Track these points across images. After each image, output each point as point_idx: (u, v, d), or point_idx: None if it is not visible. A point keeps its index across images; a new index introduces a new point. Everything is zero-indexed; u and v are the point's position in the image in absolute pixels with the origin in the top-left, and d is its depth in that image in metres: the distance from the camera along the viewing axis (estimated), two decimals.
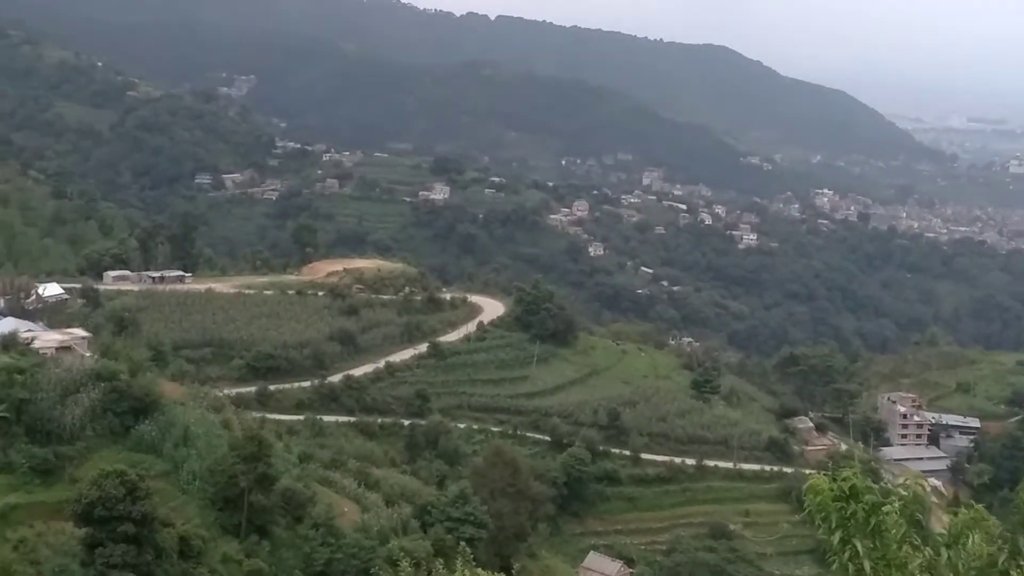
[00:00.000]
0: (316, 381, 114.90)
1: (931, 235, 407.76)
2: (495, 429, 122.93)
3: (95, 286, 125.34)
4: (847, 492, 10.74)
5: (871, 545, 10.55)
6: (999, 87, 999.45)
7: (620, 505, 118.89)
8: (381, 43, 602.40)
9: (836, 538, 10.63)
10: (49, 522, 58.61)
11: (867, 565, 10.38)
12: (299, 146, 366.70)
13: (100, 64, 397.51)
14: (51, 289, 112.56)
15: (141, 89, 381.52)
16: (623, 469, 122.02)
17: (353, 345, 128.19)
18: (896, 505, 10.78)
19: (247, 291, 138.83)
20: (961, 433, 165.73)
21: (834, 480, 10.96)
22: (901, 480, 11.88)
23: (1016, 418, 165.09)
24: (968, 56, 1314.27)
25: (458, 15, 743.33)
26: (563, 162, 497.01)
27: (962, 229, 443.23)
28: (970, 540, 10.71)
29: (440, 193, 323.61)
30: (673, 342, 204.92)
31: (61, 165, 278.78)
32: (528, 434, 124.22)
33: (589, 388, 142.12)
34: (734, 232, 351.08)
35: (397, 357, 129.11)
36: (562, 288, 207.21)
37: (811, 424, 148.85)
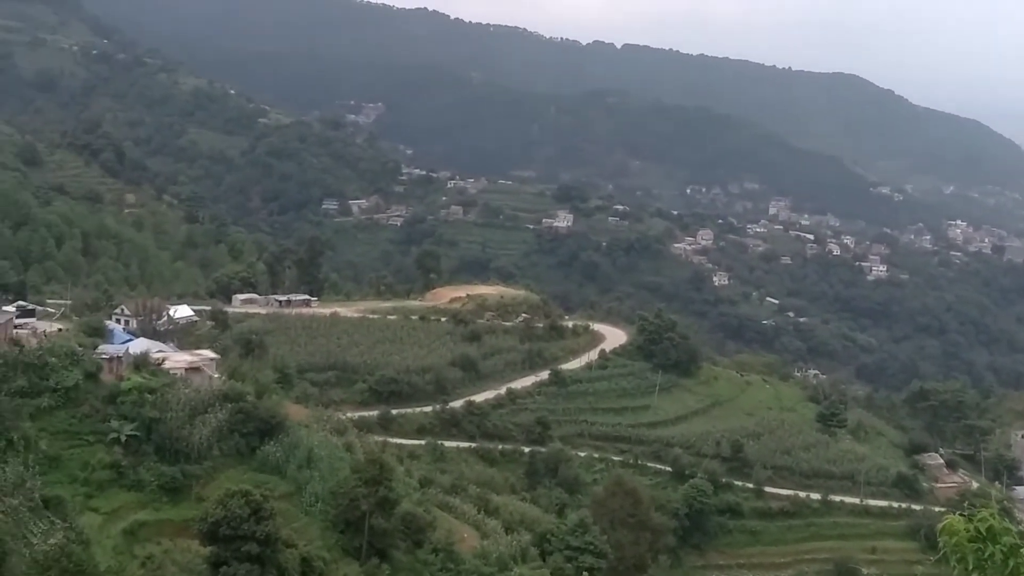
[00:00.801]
0: (437, 406, 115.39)
1: None
2: (616, 458, 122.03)
3: (224, 309, 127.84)
4: (984, 533, 10.31)
5: None
6: None
7: (742, 538, 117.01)
8: (507, 71, 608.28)
9: None
10: (176, 539, 59.88)
11: None
12: (424, 173, 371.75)
13: (232, 92, 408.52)
14: (182, 311, 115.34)
15: (271, 116, 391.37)
16: (746, 502, 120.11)
17: (475, 371, 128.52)
18: None
19: (371, 316, 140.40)
20: None
21: (970, 521, 10.55)
22: None
23: None
24: None
25: (584, 43, 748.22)
26: (688, 191, 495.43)
27: None
28: None
29: (563, 220, 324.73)
30: (799, 374, 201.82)
31: (194, 190, 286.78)
32: (649, 464, 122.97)
33: (712, 419, 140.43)
34: (863, 263, 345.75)
35: (518, 384, 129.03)
36: (685, 317, 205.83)
37: (941, 461, 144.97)
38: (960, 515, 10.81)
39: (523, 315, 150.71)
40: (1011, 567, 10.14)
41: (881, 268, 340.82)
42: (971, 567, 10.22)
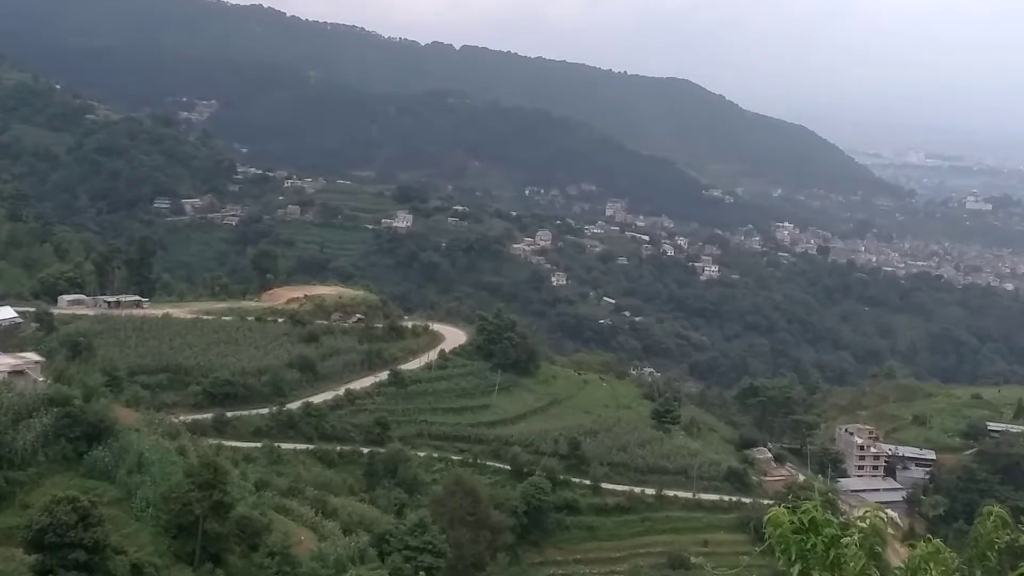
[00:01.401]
0: (274, 408, 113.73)
1: (889, 269, 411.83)
2: (455, 458, 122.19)
3: (49, 310, 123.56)
4: (807, 525, 10.61)
5: None
6: (957, 124, 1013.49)
7: (580, 534, 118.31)
8: (345, 70, 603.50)
9: (796, 571, 10.50)
10: None
11: None
12: (260, 172, 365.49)
13: (58, 87, 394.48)
14: (4, 313, 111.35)
15: (100, 112, 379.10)
16: (583, 498, 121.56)
17: (312, 372, 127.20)
18: (855, 537, 10.67)
19: (205, 317, 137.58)
20: (917, 465, 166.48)
21: (794, 513, 10.85)
22: (860, 512, 11.78)
23: (971, 451, 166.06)
24: (927, 93, 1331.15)
25: (423, 44, 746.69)
26: (527, 192, 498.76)
27: (919, 263, 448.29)
28: (928, 573, 10.61)
29: (403, 221, 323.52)
30: (635, 372, 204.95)
31: (17, 188, 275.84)
32: (488, 463, 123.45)
33: (550, 417, 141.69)
34: (696, 264, 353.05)
35: (357, 385, 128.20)
36: (524, 317, 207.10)
37: (770, 455, 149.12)
38: (785, 507, 11.09)
39: (357, 316, 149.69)
40: (832, 557, 10.44)
41: (713, 268, 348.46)
42: (794, 557, 10.50)
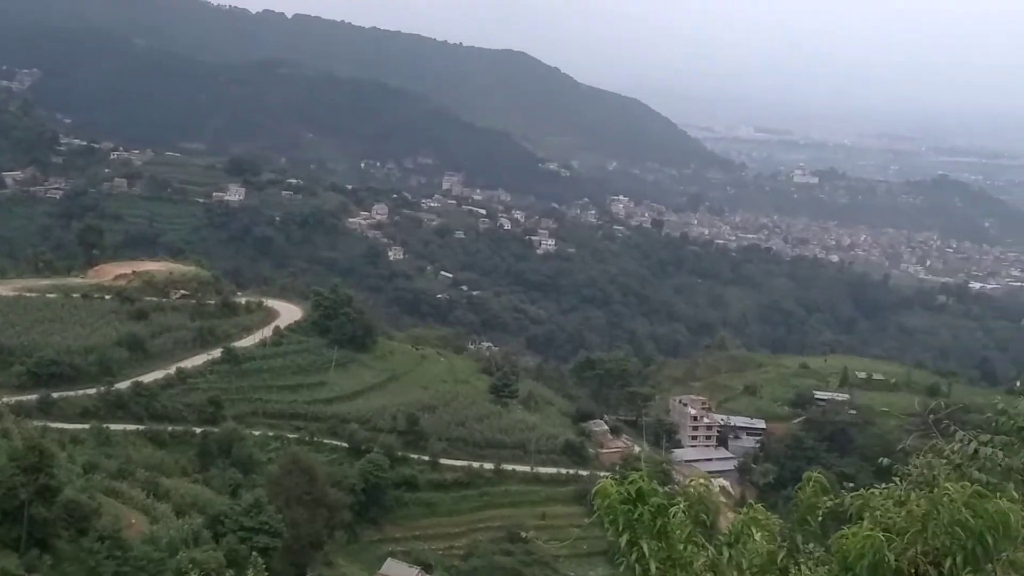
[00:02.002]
0: (102, 388, 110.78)
1: (721, 242, 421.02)
2: (291, 436, 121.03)
3: None
4: (634, 495, 10.60)
5: (657, 546, 10.44)
6: (784, 99, 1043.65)
7: (418, 511, 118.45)
8: (173, 38, 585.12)
9: (624, 540, 10.49)
10: None
11: (653, 566, 10.29)
12: (85, 143, 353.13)
13: None
14: None
15: None
16: (421, 474, 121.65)
17: (142, 351, 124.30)
18: (682, 506, 10.71)
19: (28, 294, 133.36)
20: (748, 434, 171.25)
21: (621, 484, 10.84)
22: (688, 481, 11.85)
23: (798, 420, 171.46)
24: (756, 68, 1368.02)
25: (254, 12, 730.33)
26: (362, 164, 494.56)
27: (750, 236, 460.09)
28: (751, 538, 10.72)
29: (235, 194, 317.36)
30: (472, 347, 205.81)
31: None
32: (325, 440, 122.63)
33: (388, 393, 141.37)
34: (533, 237, 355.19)
35: (189, 363, 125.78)
36: (361, 292, 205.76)
37: (606, 427, 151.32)
38: (612, 479, 11.08)
39: (181, 291, 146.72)
40: (659, 526, 10.46)
41: (550, 242, 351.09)
42: (622, 528, 10.49)
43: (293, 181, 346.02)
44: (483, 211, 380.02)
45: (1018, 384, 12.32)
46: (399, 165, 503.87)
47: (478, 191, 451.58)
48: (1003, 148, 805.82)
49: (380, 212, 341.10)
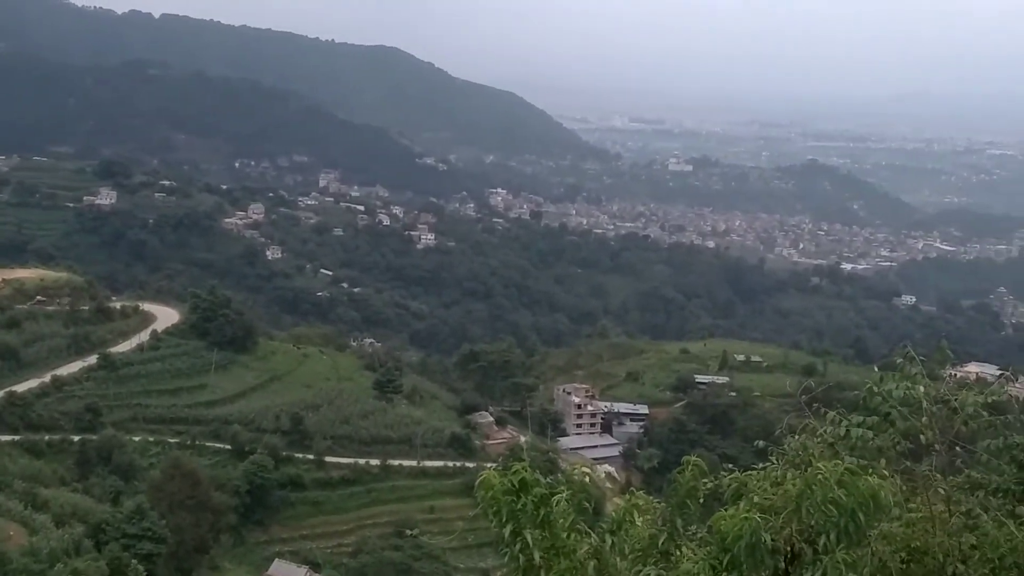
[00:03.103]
0: None
1: (599, 231, 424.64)
2: (173, 440, 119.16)
3: None
4: (517, 485, 10.69)
5: (541, 535, 10.54)
6: (657, 89, 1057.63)
7: (305, 510, 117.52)
8: (36, 40, 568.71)
9: (507, 531, 10.57)
10: None
11: (536, 555, 10.39)
12: None
13: None
14: None
15: None
16: (307, 473, 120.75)
17: (15, 360, 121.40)
18: (564, 495, 10.81)
19: None
20: (632, 420, 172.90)
21: (504, 474, 10.93)
22: (570, 469, 11.97)
23: (681, 403, 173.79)
24: (628, 59, 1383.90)
25: (120, 13, 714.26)
26: (237, 164, 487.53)
27: (627, 225, 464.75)
28: (633, 524, 10.87)
29: (107, 198, 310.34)
30: (355, 344, 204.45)
31: None
32: (208, 444, 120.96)
33: (271, 394, 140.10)
34: (412, 232, 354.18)
35: (65, 371, 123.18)
36: (240, 293, 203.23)
37: (491, 419, 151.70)
38: (495, 470, 11.15)
39: (37, 297, 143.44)
40: (541, 515, 10.54)
41: (429, 237, 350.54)
42: (505, 518, 10.56)
43: (166, 183, 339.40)
44: (361, 208, 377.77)
45: (898, 361, 12.62)
46: (274, 164, 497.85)
47: (356, 188, 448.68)
48: (869, 132, 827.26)
49: (256, 212, 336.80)
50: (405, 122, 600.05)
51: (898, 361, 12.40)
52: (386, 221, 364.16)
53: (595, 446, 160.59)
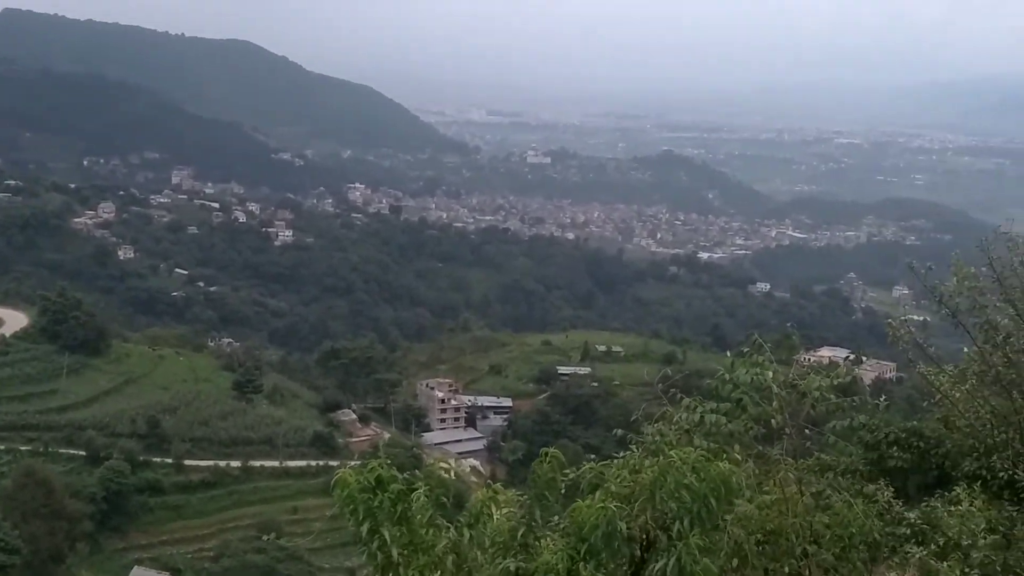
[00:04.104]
0: None
1: (459, 225, 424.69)
2: (24, 448, 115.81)
3: None
4: (373, 483, 10.62)
5: (399, 532, 10.48)
6: (513, 82, 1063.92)
7: (165, 515, 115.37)
8: None
9: (365, 529, 10.48)
10: None
11: (395, 552, 10.32)
12: None
13: None
14: None
15: None
16: (166, 478, 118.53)
17: None
18: (423, 490, 10.77)
19: None
20: (496, 413, 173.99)
21: (361, 472, 10.84)
22: (427, 464, 11.94)
23: (544, 395, 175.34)
24: (484, 52, 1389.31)
25: None
26: (85, 162, 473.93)
27: (488, 218, 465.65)
28: (491, 517, 10.89)
29: None
30: (212, 344, 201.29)
31: None
32: (61, 450, 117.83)
33: (126, 397, 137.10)
34: (269, 229, 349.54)
35: None
36: (91, 294, 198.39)
37: (354, 416, 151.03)
38: (351, 468, 11.06)
39: None
40: (399, 512, 10.50)
41: (287, 233, 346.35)
42: (362, 516, 10.49)
43: (11, 183, 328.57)
44: (216, 205, 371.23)
45: (745, 350, 12.88)
46: (125, 161, 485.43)
47: (210, 184, 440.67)
48: (722, 123, 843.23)
49: (107, 211, 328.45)
50: (260, 117, 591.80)
51: (745, 350, 12.65)
52: (242, 218, 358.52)
53: (459, 440, 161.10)
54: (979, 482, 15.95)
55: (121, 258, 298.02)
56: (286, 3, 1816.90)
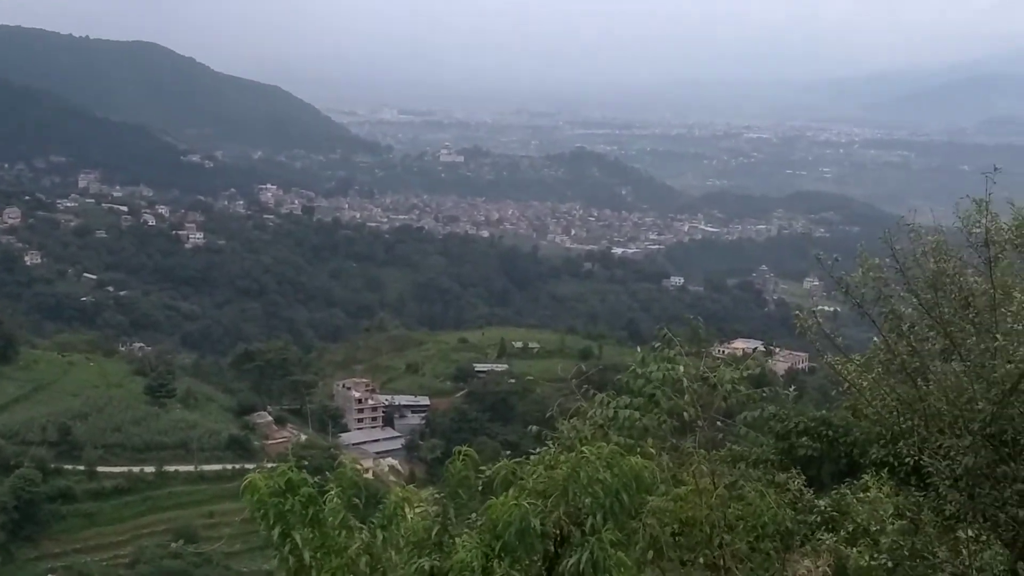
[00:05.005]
0: None
1: (373, 224, 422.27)
2: None
3: None
4: (283, 486, 10.52)
5: (311, 535, 10.40)
6: (424, 80, 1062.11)
7: (78, 523, 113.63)
8: None
9: (276, 533, 10.38)
10: None
11: (307, 555, 10.24)
12: None
13: None
14: None
15: None
16: (78, 485, 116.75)
17: None
18: (335, 492, 10.70)
19: None
20: (413, 412, 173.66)
21: (270, 476, 10.74)
22: (338, 466, 11.82)
23: (461, 393, 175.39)
24: (393, 51, 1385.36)
25: None
26: None
27: (402, 217, 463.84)
28: (404, 517, 10.83)
29: None
30: (123, 349, 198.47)
31: None
32: None
33: (36, 404, 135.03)
34: (180, 232, 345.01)
35: None
36: None
37: (271, 418, 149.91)
38: (260, 472, 10.96)
39: None
40: (311, 515, 10.42)
41: (198, 235, 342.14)
42: (273, 520, 10.40)
43: None
44: (125, 208, 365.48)
45: (656, 344, 12.97)
46: (30, 166, 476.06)
47: (118, 188, 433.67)
48: (633, 119, 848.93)
49: (12, 216, 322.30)
50: (167, 119, 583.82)
51: (656, 344, 12.73)
52: (152, 221, 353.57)
53: (377, 440, 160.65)
54: (887, 469, 16.22)
55: (28, 264, 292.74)
56: (191, 3, 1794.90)
